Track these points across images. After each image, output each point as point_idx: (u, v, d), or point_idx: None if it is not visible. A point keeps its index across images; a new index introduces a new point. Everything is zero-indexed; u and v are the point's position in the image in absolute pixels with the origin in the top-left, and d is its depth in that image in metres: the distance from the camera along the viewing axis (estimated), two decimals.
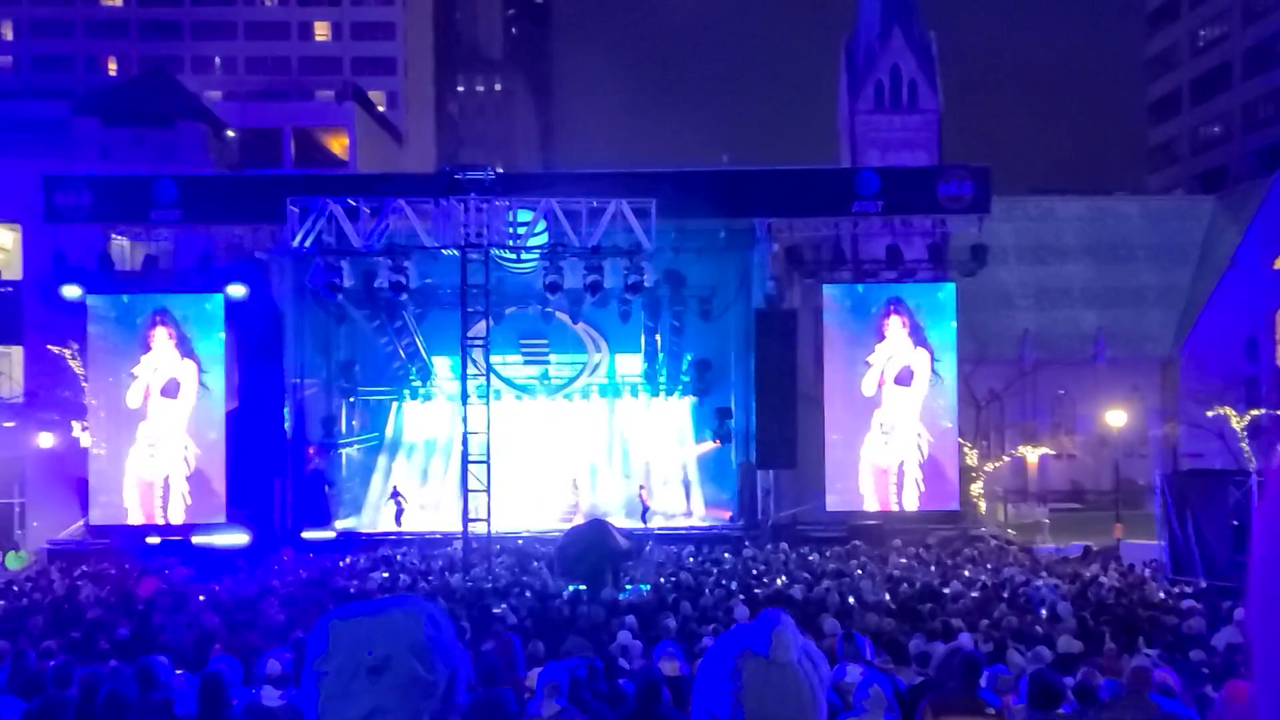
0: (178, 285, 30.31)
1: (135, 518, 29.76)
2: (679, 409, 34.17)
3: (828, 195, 30.13)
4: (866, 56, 51.83)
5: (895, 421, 30.01)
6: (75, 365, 32.47)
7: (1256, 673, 0.63)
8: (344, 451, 33.28)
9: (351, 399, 33.50)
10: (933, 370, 30.10)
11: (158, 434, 29.91)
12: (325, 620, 1.95)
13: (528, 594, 17.00)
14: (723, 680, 1.92)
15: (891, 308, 30.20)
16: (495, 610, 14.05)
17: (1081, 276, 48.51)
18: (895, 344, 30.09)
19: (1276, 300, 45.55)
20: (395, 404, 34.16)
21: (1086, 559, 24.17)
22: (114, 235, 30.60)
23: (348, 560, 24.79)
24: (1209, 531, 20.32)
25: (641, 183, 28.31)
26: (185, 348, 30.07)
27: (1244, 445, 37.56)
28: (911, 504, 29.95)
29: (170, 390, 29.95)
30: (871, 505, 29.99)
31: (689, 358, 33.27)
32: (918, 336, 30.14)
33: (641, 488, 32.01)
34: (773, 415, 29.23)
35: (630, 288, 27.89)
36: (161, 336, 29.96)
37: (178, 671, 8.38)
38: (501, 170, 28.48)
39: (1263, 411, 39.77)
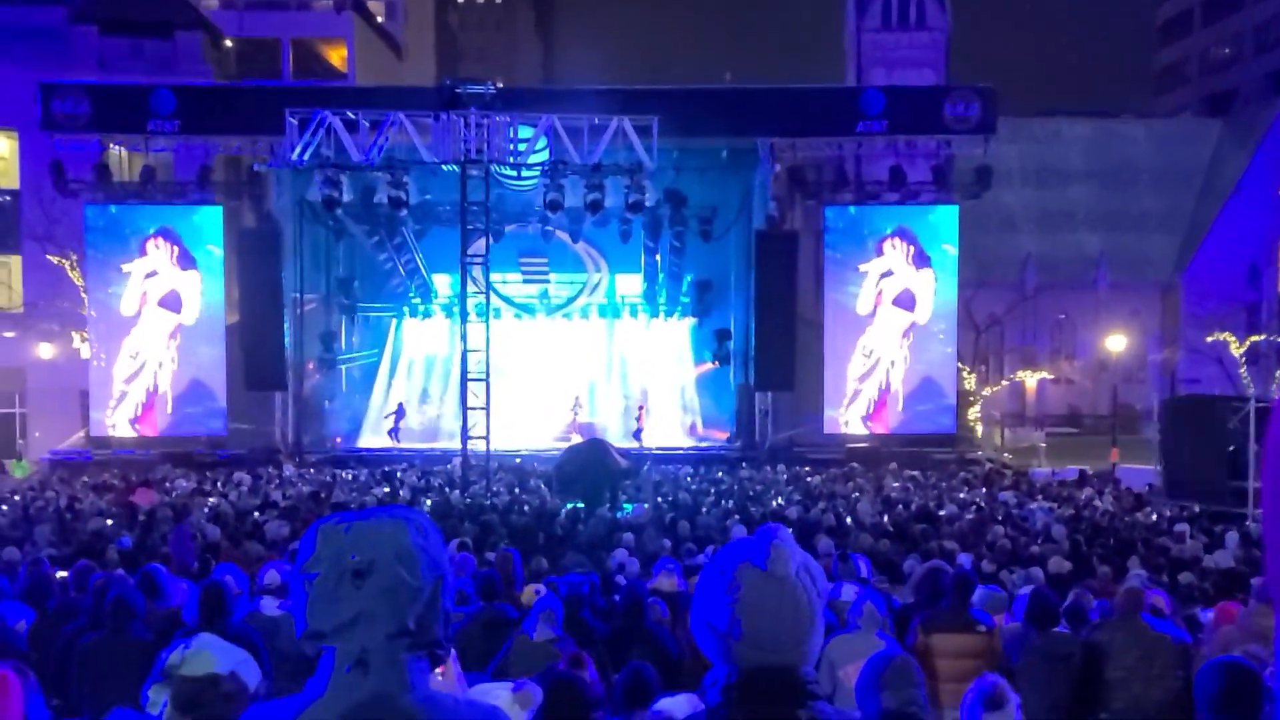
0: (176, 197, 30.13)
1: (135, 429, 29.90)
2: (678, 330, 34.16)
3: (832, 115, 29.78)
4: None
5: (887, 344, 30.02)
6: (75, 276, 32.39)
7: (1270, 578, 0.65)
8: (344, 368, 33.33)
9: (351, 315, 33.45)
10: (934, 294, 30.07)
11: (153, 345, 29.94)
12: (312, 527, 1.97)
13: (526, 510, 17.14)
14: (721, 593, 1.93)
15: (895, 233, 30.06)
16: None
17: (1085, 200, 48.19)
18: (893, 264, 29.99)
19: (1279, 226, 45.31)
20: (395, 321, 34.14)
21: (1082, 483, 24.33)
22: (111, 145, 30.30)
23: (348, 475, 24.97)
24: (1205, 457, 20.40)
25: (643, 100, 27.97)
26: (186, 261, 29.98)
27: (1243, 371, 37.63)
28: (908, 427, 30.07)
29: (170, 303, 29.93)
30: (868, 428, 30.11)
31: (689, 278, 33.17)
32: (920, 260, 30.03)
33: (641, 408, 32.10)
34: (772, 337, 29.22)
35: (631, 207, 27.70)
36: (158, 248, 29.86)
37: (181, 582, 8.46)
38: (502, 85, 28.10)
39: (1262, 337, 39.76)
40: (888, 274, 30.05)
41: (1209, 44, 63.53)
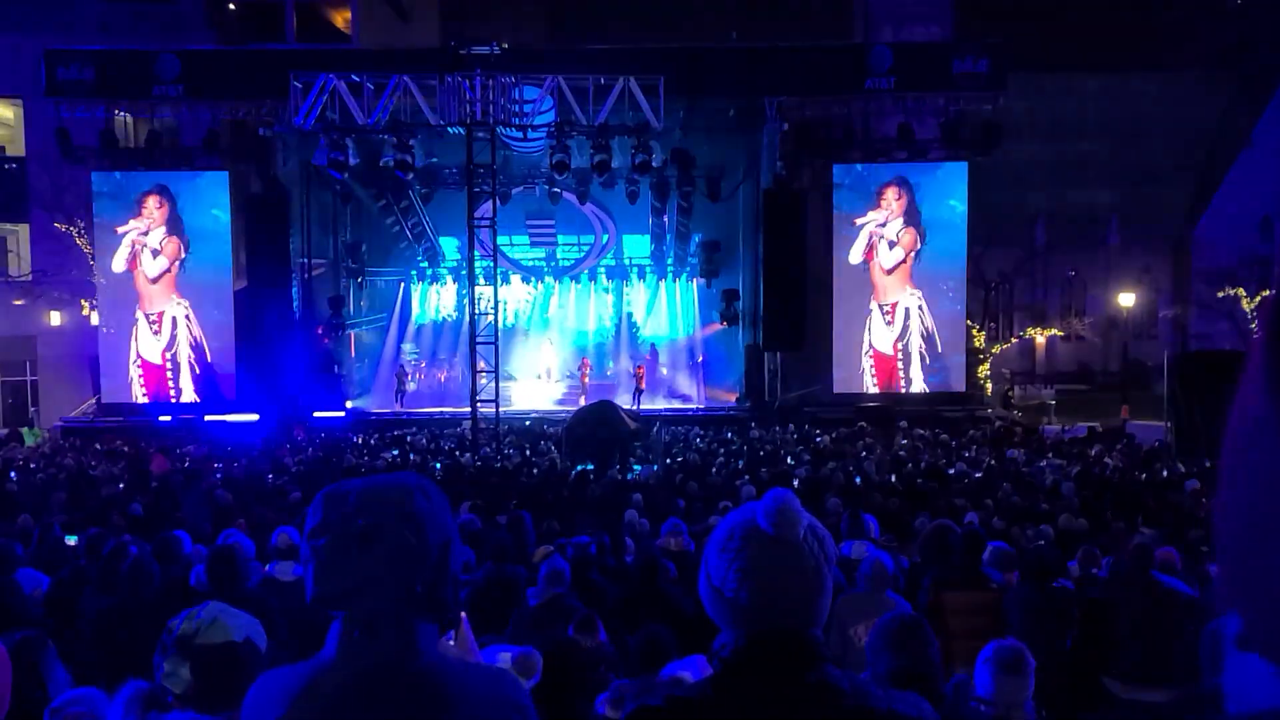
0: (182, 163, 30.07)
1: (145, 395, 30.00)
2: (686, 291, 34.12)
3: (839, 72, 29.53)
4: None
5: (895, 301, 29.92)
6: (82, 243, 32.40)
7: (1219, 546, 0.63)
8: (352, 332, 33.38)
9: (359, 280, 33.46)
10: (927, 247, 29.89)
11: (159, 310, 30.01)
12: (319, 494, 1.98)
13: (536, 473, 17.19)
14: (728, 555, 1.94)
15: (893, 183, 29.85)
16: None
17: (1096, 155, 47.78)
18: (888, 215, 29.82)
19: None
20: (403, 285, 34.14)
21: (1092, 440, 24.31)
22: (116, 111, 30.21)
23: (359, 439, 25.05)
24: (1215, 413, 20.35)
25: (649, 60, 27.77)
26: (178, 222, 29.96)
27: (1253, 326, 37.45)
28: (918, 386, 30.05)
29: (167, 263, 29.98)
30: (877, 387, 30.08)
31: (696, 239, 33.09)
32: (911, 218, 29.85)
33: (639, 367, 32.02)
34: (780, 297, 29.16)
35: (638, 167, 27.60)
36: (152, 206, 29.85)
37: (194, 546, 8.50)
38: (506, 46, 27.92)
39: (1273, 292, 39.46)
40: (882, 225, 29.88)
41: None
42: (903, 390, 29.95)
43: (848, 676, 1.95)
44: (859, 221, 29.89)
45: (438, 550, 1.92)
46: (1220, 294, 38.81)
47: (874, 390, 30.00)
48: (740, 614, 1.92)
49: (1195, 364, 24.10)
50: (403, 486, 1.96)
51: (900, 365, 30.06)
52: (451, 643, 2.10)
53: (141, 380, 30.04)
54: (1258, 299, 38.37)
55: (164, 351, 30.01)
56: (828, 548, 1.98)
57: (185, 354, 30.04)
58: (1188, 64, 58.46)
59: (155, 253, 29.99)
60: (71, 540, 9.54)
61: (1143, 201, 46.40)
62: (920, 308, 29.94)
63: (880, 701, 1.90)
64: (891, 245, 29.85)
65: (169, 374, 30.03)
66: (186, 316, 30.03)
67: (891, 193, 29.84)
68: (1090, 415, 30.83)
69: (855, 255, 29.94)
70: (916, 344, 29.98)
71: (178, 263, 30.00)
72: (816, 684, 1.89)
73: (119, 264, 30.01)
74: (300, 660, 1.97)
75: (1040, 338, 44.17)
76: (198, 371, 30.01)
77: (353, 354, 33.47)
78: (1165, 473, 18.06)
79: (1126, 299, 41.68)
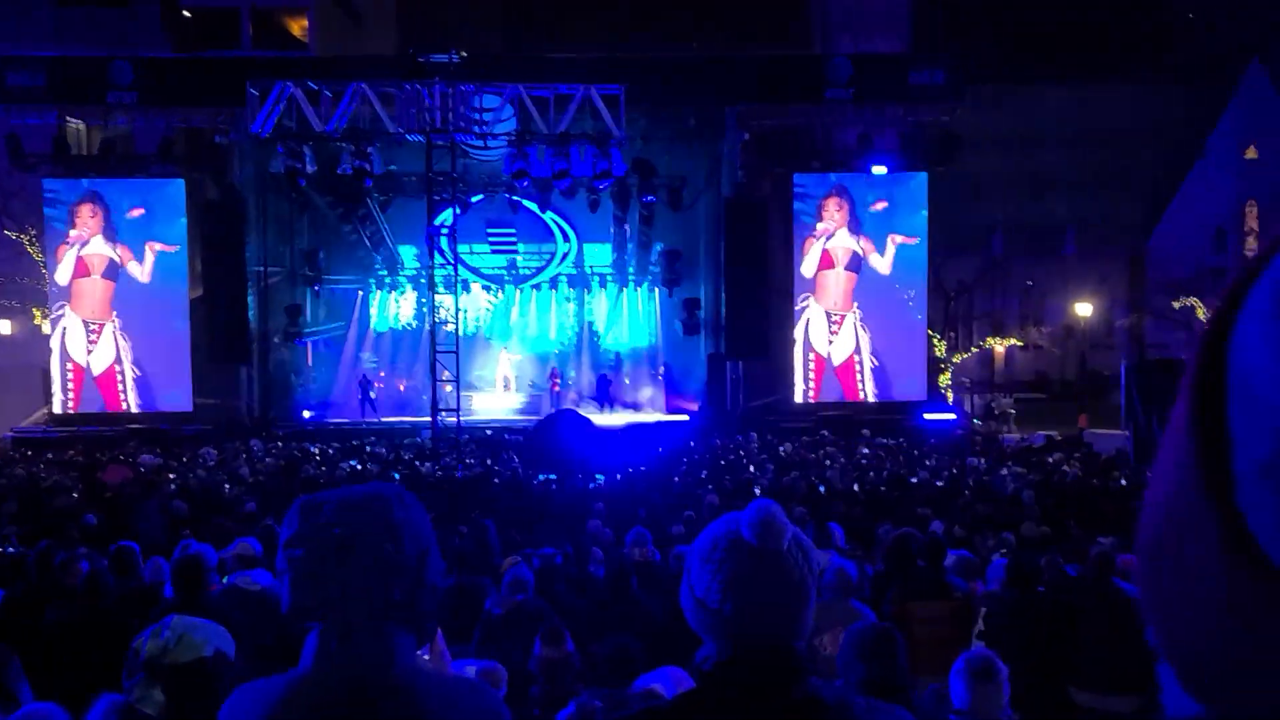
0: (137, 171, 29.68)
1: (98, 405, 29.57)
2: (648, 300, 34.11)
3: (799, 83, 29.68)
4: None
5: (838, 311, 30.01)
6: (34, 251, 31.92)
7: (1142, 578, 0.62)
8: (310, 341, 33.07)
9: (316, 288, 33.16)
10: (873, 254, 30.03)
11: (96, 317, 29.58)
12: (295, 503, 1.94)
13: (497, 482, 17.08)
14: (712, 566, 1.90)
15: (833, 192, 29.97)
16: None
17: (1054, 166, 48.35)
18: (835, 225, 29.94)
19: (1246, 190, 45.64)
20: (361, 293, 33.89)
21: (1050, 448, 24.50)
22: (69, 118, 29.80)
23: (316, 449, 24.80)
24: None
25: (610, 69, 27.78)
26: (114, 229, 29.53)
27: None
28: (857, 395, 30.11)
29: (110, 272, 29.55)
30: (839, 395, 30.16)
31: (658, 248, 33.08)
32: (855, 226, 29.99)
33: (613, 379, 32.06)
34: (742, 306, 29.21)
35: (599, 176, 27.57)
36: (92, 215, 29.42)
37: (148, 559, 8.33)
38: (466, 54, 27.84)
39: (1196, 343, 40.00)
40: (830, 236, 30.02)
41: (1178, 10, 63.71)
42: (865, 399, 30.03)
43: (831, 689, 1.90)
44: (815, 234, 29.97)
45: (416, 559, 1.89)
46: (1176, 304, 39.33)
47: (835, 399, 30.05)
48: (724, 626, 1.88)
49: (1152, 373, 24.34)
50: (380, 496, 1.93)
51: (859, 374, 30.14)
52: (426, 656, 2.05)
53: (93, 388, 29.55)
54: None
55: (117, 359, 29.58)
56: (812, 559, 1.94)
57: (140, 361, 29.60)
58: (1143, 77, 59.34)
59: (110, 261, 29.54)
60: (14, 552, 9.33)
61: (1099, 213, 46.98)
62: (881, 315, 30.04)
63: (864, 714, 1.86)
64: (856, 256, 29.95)
65: (122, 381, 29.57)
66: (132, 321, 29.57)
67: (832, 203, 29.96)
68: (1049, 424, 31.10)
69: (809, 267, 30.04)
70: (879, 352, 30.07)
71: (120, 272, 29.57)
72: (801, 698, 1.84)
73: (63, 276, 29.52)
74: (264, 672, 1.92)
75: (999, 347, 44.58)
76: (152, 381, 29.56)
77: (309, 363, 33.15)
78: (1124, 481, 18.21)
79: (1084, 309, 42.19)
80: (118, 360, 29.57)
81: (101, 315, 29.55)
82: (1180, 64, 60.00)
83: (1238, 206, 45.66)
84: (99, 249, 29.49)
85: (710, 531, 1.96)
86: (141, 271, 29.52)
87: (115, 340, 29.54)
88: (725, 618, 1.87)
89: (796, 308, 29.93)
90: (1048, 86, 51.08)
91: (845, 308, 29.99)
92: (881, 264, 30.10)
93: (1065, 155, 48.34)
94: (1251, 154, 45.66)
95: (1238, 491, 0.50)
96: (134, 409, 29.47)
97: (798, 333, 29.98)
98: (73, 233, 29.33)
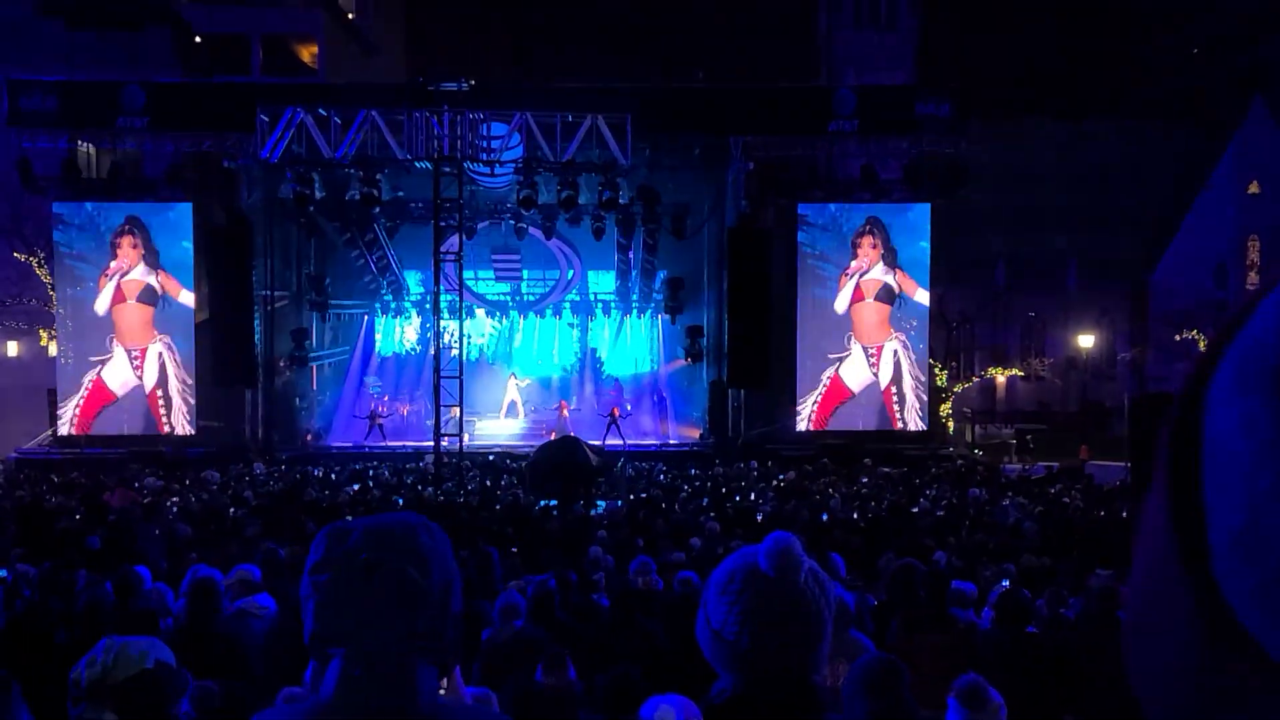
0: (146, 194, 29.84)
1: (105, 428, 29.61)
2: (651, 327, 34.20)
3: (804, 114, 29.85)
4: None
5: (875, 342, 30.14)
6: (42, 273, 32.03)
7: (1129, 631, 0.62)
8: (315, 365, 33.15)
9: (323, 312, 33.27)
10: (916, 288, 30.26)
11: (131, 344, 29.67)
12: (322, 531, 1.96)
13: (499, 508, 17.09)
14: (728, 598, 1.92)
15: (869, 227, 30.19)
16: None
17: (1055, 199, 48.49)
18: (868, 263, 30.16)
19: (1248, 225, 45.77)
20: (366, 318, 34.00)
21: (1051, 479, 24.49)
22: (80, 142, 29.98)
23: (319, 472, 24.81)
24: None
25: (617, 98, 27.95)
26: (153, 258, 29.71)
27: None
28: (882, 424, 30.19)
29: (148, 297, 29.67)
30: (842, 424, 30.19)
31: (662, 275, 33.20)
32: (890, 258, 30.20)
33: (617, 406, 32.15)
34: (744, 334, 29.28)
35: (604, 204, 27.72)
36: (128, 245, 29.58)
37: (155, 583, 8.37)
38: (474, 82, 28.02)
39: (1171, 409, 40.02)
40: (864, 272, 30.18)
41: (1177, 45, 64.04)
42: (867, 428, 30.05)
43: None
44: (843, 277, 30.13)
45: (440, 589, 1.89)
46: (1178, 337, 39.36)
47: (837, 428, 30.08)
48: (740, 658, 1.90)
49: (1154, 405, 24.32)
50: (407, 524, 1.94)
51: (865, 404, 30.20)
52: (442, 690, 2.07)
53: (100, 410, 29.58)
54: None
55: (129, 382, 29.63)
56: (828, 592, 1.96)
57: (175, 388, 29.69)
58: (1146, 112, 59.60)
59: (149, 289, 29.64)
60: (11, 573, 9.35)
61: (1101, 246, 47.09)
62: (896, 345, 30.16)
63: None
64: (888, 288, 30.12)
65: (162, 408, 29.65)
66: (170, 349, 29.70)
67: (867, 241, 30.14)
68: (1050, 455, 31.08)
69: (841, 303, 30.16)
70: (885, 381, 30.16)
71: (162, 297, 29.74)
72: None
73: (102, 306, 29.60)
74: (269, 697, 1.92)
75: (1001, 377, 44.59)
76: (162, 411, 29.64)
77: (314, 387, 33.22)
78: (1125, 513, 18.20)
79: (1085, 341, 42.22)
80: (160, 384, 29.64)
81: (144, 339, 29.65)
82: (1182, 99, 60.29)
83: (1240, 241, 45.77)
84: (139, 276, 29.62)
85: (728, 563, 1.99)
86: (189, 301, 29.69)
87: (160, 361, 29.66)
88: (741, 649, 1.89)
89: (816, 337, 30.08)
90: (1049, 121, 51.34)
91: (881, 338, 30.12)
92: (922, 303, 30.33)
93: (1067, 189, 48.49)
94: (1254, 189, 45.81)
95: (1213, 560, 0.51)
96: (138, 431, 29.47)
97: (829, 371, 30.06)
98: (113, 264, 29.45)
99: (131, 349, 29.61)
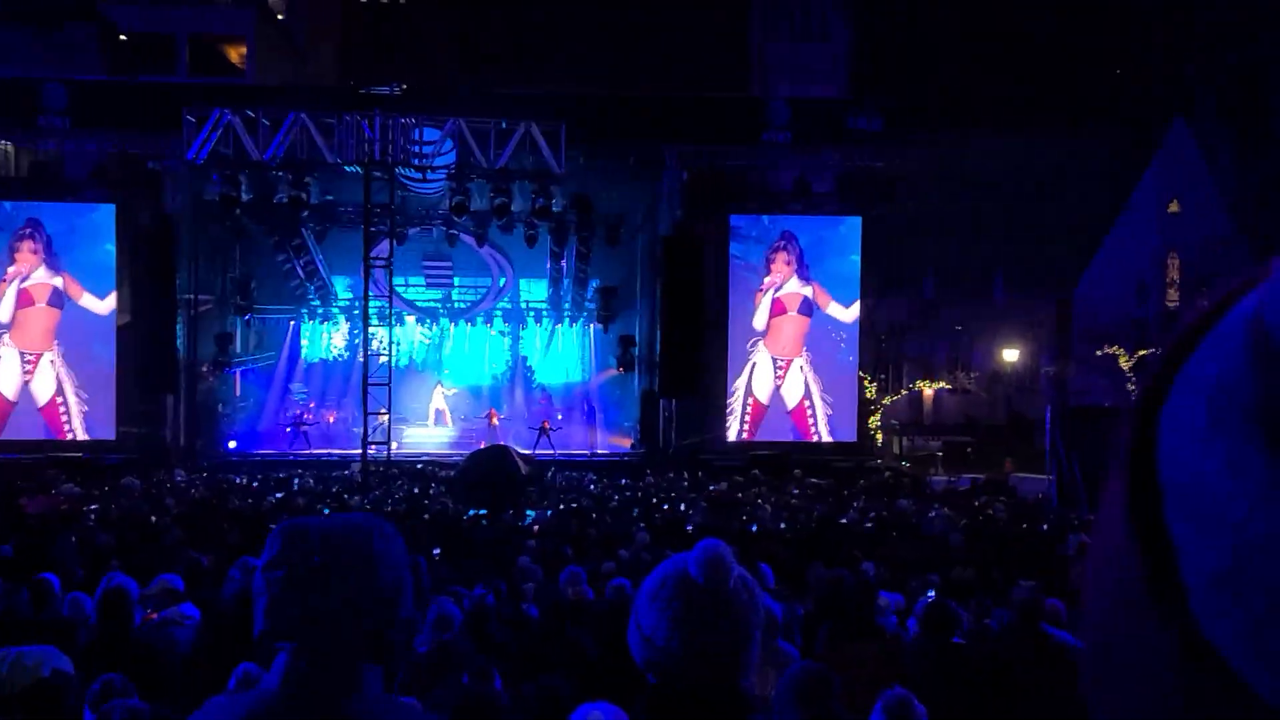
0: (67, 194, 29.17)
1: (16, 433, 28.84)
2: (583, 336, 34.14)
3: (737, 124, 30.05)
4: None
5: (786, 355, 30.34)
6: None
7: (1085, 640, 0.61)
8: (239, 371, 32.62)
9: (248, 317, 32.75)
10: (831, 301, 30.51)
11: (35, 348, 28.90)
12: (277, 528, 1.99)
13: (427, 517, 16.92)
14: (659, 604, 1.93)
15: (782, 243, 30.39)
16: None
17: (984, 213, 49.19)
18: (782, 277, 30.36)
19: (1169, 243, 46.83)
20: (293, 323, 33.53)
21: (977, 491, 24.83)
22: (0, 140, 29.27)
23: (242, 480, 24.41)
24: (1094, 466, 20.99)
25: (551, 105, 27.92)
26: (55, 262, 28.92)
27: (1130, 385, 38.82)
28: (811, 435, 30.40)
29: (56, 302, 28.94)
30: (763, 435, 30.35)
31: (594, 284, 33.17)
32: (804, 273, 30.41)
33: (547, 415, 32.02)
34: (677, 344, 29.33)
35: (537, 212, 27.65)
36: (27, 250, 28.79)
37: (70, 592, 8.14)
38: (406, 87, 27.80)
39: (1150, 351, 41.09)
40: (779, 288, 30.42)
41: (1107, 62, 65.44)
42: (796, 439, 30.24)
43: None
44: (759, 291, 30.33)
45: (391, 592, 1.93)
46: (1099, 352, 40.14)
47: (767, 439, 30.24)
48: (670, 663, 1.91)
49: (1076, 419, 24.81)
50: (362, 527, 1.98)
51: (791, 415, 30.38)
52: None
53: (15, 417, 28.81)
54: (1135, 357, 39.80)
55: (39, 387, 28.89)
56: (757, 599, 1.97)
57: (64, 389, 28.94)
58: (1072, 127, 60.76)
59: (56, 292, 28.89)
60: None
61: (1028, 260, 47.87)
62: (816, 358, 30.38)
63: None
64: (807, 301, 30.33)
65: (44, 410, 28.89)
66: (67, 350, 28.95)
67: (781, 256, 30.35)
68: (976, 467, 31.50)
69: (760, 320, 30.34)
70: (813, 393, 30.36)
71: (64, 301, 28.99)
72: None
73: (4, 312, 28.81)
74: (194, 706, 1.96)
75: (928, 390, 45.14)
76: (78, 417, 28.92)
77: (238, 393, 32.69)
78: (1047, 525, 18.49)
79: (1011, 354, 42.89)
80: (59, 391, 28.88)
81: (42, 346, 28.87)
82: (1108, 118, 61.63)
83: (1160, 259, 46.81)
84: (41, 279, 28.82)
85: (659, 570, 2.00)
86: (103, 306, 28.94)
87: (56, 370, 28.88)
88: (672, 654, 1.90)
89: (747, 351, 30.21)
90: (979, 134, 52.11)
91: (794, 353, 30.30)
92: (845, 314, 30.55)
93: (996, 202, 49.22)
94: (1174, 208, 46.91)
95: (1191, 601, 0.50)
96: (56, 437, 28.75)
97: (740, 381, 30.22)
98: (11, 269, 28.67)
99: (26, 354, 28.83)
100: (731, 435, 30.29)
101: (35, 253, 28.73)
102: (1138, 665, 0.52)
